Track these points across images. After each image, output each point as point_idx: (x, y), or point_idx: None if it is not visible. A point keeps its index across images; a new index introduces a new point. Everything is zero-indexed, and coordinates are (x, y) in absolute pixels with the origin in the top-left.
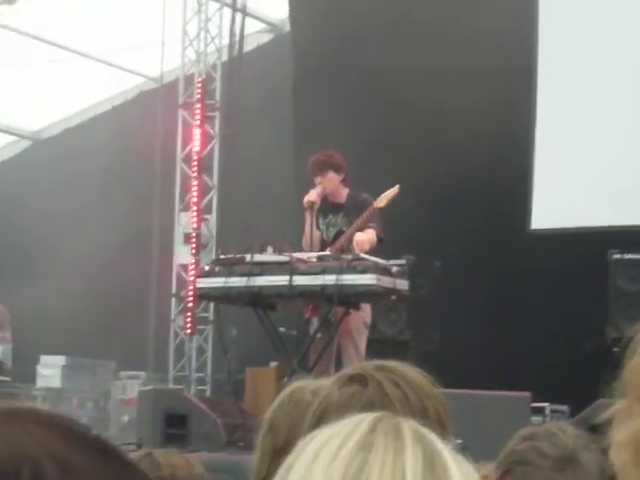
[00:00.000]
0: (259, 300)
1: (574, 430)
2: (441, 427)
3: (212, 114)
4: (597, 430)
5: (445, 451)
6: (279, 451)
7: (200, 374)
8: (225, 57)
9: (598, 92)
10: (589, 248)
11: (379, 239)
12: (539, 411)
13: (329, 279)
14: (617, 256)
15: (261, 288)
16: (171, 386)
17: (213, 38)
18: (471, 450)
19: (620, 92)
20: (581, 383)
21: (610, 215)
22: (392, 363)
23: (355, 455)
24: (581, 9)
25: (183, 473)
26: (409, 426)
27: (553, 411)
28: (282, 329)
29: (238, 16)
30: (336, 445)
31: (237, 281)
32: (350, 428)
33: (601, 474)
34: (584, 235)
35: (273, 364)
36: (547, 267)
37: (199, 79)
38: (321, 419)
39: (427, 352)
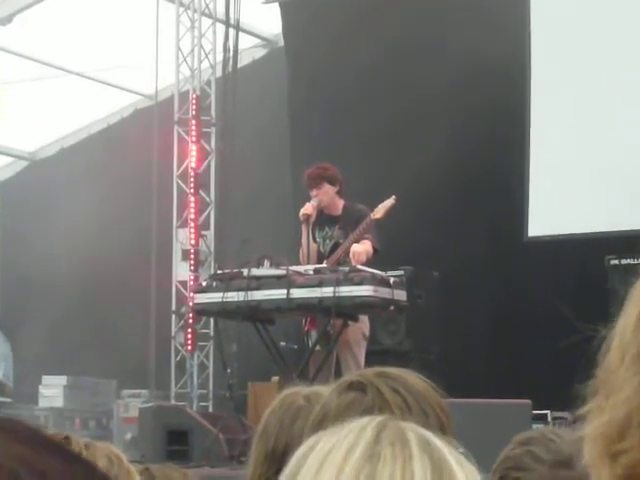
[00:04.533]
0: (257, 314)
1: (571, 435)
2: (442, 434)
3: (207, 130)
4: None
5: (451, 456)
6: (269, 455)
7: (202, 390)
8: (219, 73)
9: (592, 98)
10: (586, 254)
11: (375, 250)
12: (541, 418)
13: (326, 291)
14: (615, 262)
15: (259, 302)
16: (172, 402)
17: (207, 54)
18: (472, 459)
19: (615, 98)
20: (583, 390)
21: (607, 221)
22: (392, 370)
23: (362, 467)
24: (575, 11)
25: None
26: (414, 433)
27: (555, 418)
28: (283, 343)
29: (232, 32)
30: (341, 456)
31: (234, 296)
32: (354, 436)
33: None
34: (581, 241)
35: (275, 379)
36: (545, 274)
37: (194, 95)
38: (319, 427)
39: (427, 362)
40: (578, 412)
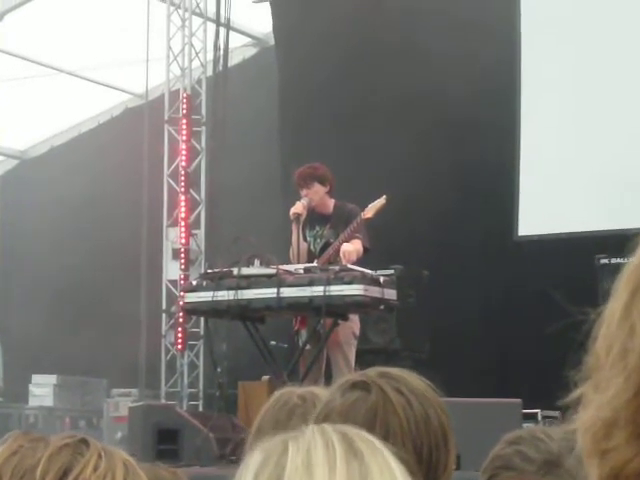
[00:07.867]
0: (247, 313)
1: (560, 434)
2: (443, 435)
3: (198, 129)
4: None
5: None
6: None
7: (192, 390)
8: (210, 72)
9: (584, 97)
10: (577, 253)
11: (365, 249)
12: (531, 417)
13: (317, 290)
14: (604, 261)
15: (249, 301)
16: (163, 401)
17: (197, 53)
18: (463, 458)
19: (606, 97)
20: (574, 389)
21: (597, 220)
22: (395, 370)
23: None
24: (566, 11)
25: None
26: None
27: (545, 417)
28: (273, 342)
29: (222, 31)
30: None
31: (225, 295)
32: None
33: (586, 478)
34: (571, 240)
35: (265, 378)
36: (535, 273)
37: (184, 94)
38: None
39: (418, 361)
40: (567, 399)
